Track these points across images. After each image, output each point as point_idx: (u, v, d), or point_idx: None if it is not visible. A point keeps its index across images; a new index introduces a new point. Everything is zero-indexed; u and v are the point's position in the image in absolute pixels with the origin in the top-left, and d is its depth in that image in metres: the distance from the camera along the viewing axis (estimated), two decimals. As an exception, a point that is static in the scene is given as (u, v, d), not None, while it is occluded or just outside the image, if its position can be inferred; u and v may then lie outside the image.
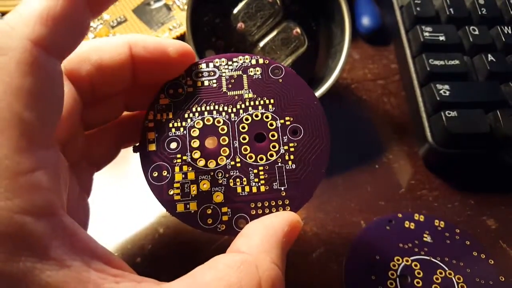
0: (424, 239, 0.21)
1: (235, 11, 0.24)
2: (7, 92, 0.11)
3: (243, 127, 0.16)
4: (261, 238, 0.13)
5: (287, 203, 0.15)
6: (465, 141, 0.24)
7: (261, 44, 0.24)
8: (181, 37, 0.27)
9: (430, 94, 0.25)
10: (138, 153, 0.16)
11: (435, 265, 0.20)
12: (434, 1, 0.29)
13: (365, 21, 0.31)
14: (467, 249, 0.21)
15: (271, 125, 0.16)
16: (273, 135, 0.16)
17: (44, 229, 0.10)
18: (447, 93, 0.25)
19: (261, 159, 0.16)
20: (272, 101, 0.17)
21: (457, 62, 0.26)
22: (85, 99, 0.16)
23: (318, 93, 0.24)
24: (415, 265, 0.20)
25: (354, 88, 0.29)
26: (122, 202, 0.23)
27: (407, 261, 0.20)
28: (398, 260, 0.20)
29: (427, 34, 0.27)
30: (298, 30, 0.24)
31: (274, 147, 0.16)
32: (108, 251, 0.12)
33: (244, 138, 0.16)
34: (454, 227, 0.22)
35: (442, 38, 0.27)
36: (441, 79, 0.25)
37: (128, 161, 0.24)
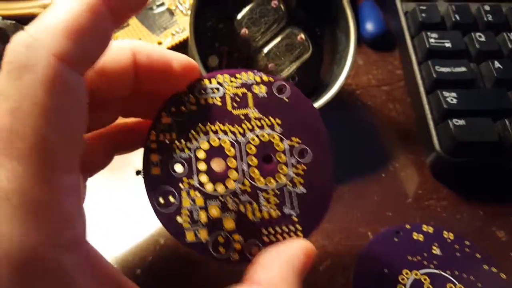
0: (433, 251, 0.21)
1: (239, 16, 0.24)
2: (34, 113, 0.10)
3: (250, 148, 0.15)
4: (279, 268, 0.13)
5: (299, 228, 0.15)
6: (473, 150, 0.23)
7: (265, 50, 0.24)
8: (184, 42, 0.27)
9: (436, 102, 0.25)
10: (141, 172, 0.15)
11: (445, 279, 0.20)
12: (439, 7, 0.29)
13: (369, 26, 0.30)
14: (477, 262, 0.21)
15: (278, 146, 0.16)
16: (280, 156, 0.16)
17: (72, 261, 0.10)
18: (454, 100, 0.24)
19: (270, 182, 0.15)
20: (278, 121, 0.16)
21: (463, 69, 0.26)
22: None
23: (323, 100, 0.23)
24: (425, 279, 0.20)
25: (359, 94, 0.28)
26: (122, 212, 0.22)
27: (416, 274, 0.20)
28: (406, 273, 0.20)
29: (432, 40, 0.27)
30: (303, 36, 0.24)
31: (281, 169, 0.15)
32: (129, 281, 0.12)
33: (251, 160, 0.15)
34: (464, 239, 0.21)
35: (448, 44, 0.27)
36: (447, 87, 0.25)
37: (129, 169, 0.23)
